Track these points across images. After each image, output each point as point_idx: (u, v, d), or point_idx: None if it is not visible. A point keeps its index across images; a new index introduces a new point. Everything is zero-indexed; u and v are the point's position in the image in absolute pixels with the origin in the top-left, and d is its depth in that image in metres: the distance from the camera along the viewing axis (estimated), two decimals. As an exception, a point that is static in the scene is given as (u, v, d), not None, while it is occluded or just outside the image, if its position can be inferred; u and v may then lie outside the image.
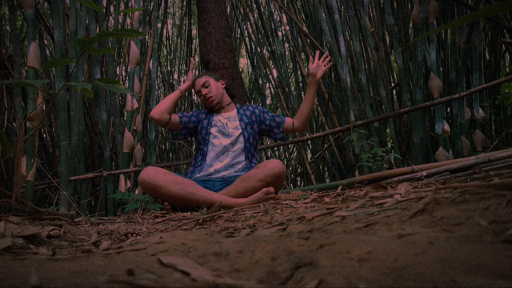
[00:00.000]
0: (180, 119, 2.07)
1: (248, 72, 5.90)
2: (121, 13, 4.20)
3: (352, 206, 0.76)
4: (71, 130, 2.28)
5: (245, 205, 1.62)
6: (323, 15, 3.11)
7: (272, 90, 4.26)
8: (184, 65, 5.16)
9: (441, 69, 2.89)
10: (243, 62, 6.57)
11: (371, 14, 3.24)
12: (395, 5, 3.18)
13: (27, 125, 2.02)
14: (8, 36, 3.24)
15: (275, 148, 4.92)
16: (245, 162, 2.02)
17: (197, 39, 4.56)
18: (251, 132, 2.09)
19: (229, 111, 2.15)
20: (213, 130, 2.06)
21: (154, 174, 1.77)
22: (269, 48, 3.83)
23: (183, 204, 1.76)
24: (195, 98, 5.16)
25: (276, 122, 2.13)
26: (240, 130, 2.06)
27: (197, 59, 5.09)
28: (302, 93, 4.04)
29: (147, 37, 3.42)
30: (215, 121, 2.09)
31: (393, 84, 3.51)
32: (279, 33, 4.45)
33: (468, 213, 0.51)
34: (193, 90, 2.15)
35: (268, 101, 5.51)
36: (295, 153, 5.14)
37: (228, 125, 2.08)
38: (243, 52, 5.53)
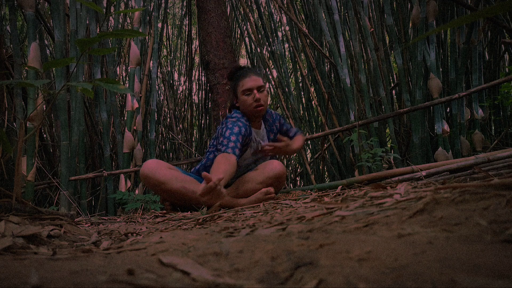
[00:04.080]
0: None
1: (248, 72, 5.88)
2: (121, 13, 4.20)
3: (352, 206, 0.76)
4: (72, 130, 2.28)
5: (245, 205, 1.62)
6: (323, 15, 3.11)
7: (272, 90, 4.26)
8: (184, 65, 5.16)
9: (441, 69, 2.89)
10: (243, 62, 6.57)
11: (371, 15, 3.24)
12: (394, 6, 3.18)
13: (28, 125, 2.02)
14: (8, 36, 3.24)
15: (275, 148, 4.91)
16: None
17: (197, 39, 4.56)
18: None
19: (259, 126, 1.92)
20: (247, 151, 1.87)
21: (155, 168, 1.73)
22: (269, 48, 3.83)
23: (183, 202, 1.76)
24: (195, 99, 5.16)
25: (288, 131, 2.03)
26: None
27: (197, 59, 5.09)
28: (302, 93, 4.04)
29: (147, 37, 3.43)
30: (252, 140, 1.86)
31: (392, 84, 3.51)
32: (279, 34, 4.45)
33: (468, 213, 0.51)
34: (241, 87, 1.81)
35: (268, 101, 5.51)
36: (295, 153, 5.14)
37: (260, 140, 1.91)
38: (243, 52, 5.52)
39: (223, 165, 1.48)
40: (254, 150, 1.87)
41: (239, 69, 1.90)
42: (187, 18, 4.82)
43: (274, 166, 1.75)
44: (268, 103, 1.84)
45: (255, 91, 1.77)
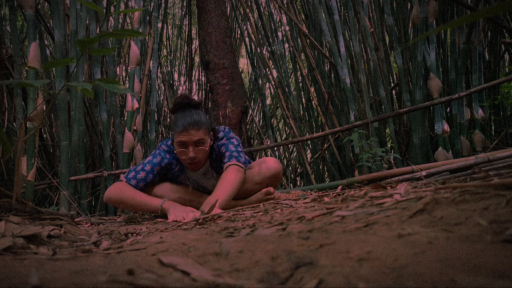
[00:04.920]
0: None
1: (248, 72, 5.90)
2: (121, 13, 4.20)
3: (352, 206, 0.76)
4: (72, 130, 2.28)
5: (245, 206, 1.62)
6: (323, 15, 3.11)
7: (272, 90, 4.26)
8: (184, 65, 5.16)
9: (441, 69, 2.89)
10: (243, 62, 6.57)
11: (371, 15, 3.24)
12: (394, 6, 3.18)
13: (28, 125, 2.02)
14: (8, 36, 3.24)
15: (275, 148, 4.92)
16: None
17: (197, 39, 4.56)
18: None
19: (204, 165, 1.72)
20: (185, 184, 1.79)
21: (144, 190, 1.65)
22: (269, 48, 3.83)
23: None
24: (195, 99, 5.14)
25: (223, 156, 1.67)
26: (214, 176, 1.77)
27: (197, 59, 5.09)
28: (302, 93, 4.05)
29: (147, 37, 3.43)
30: (188, 179, 1.77)
31: (392, 84, 3.51)
32: (279, 34, 4.46)
33: (468, 213, 0.51)
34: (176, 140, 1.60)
35: (268, 101, 5.52)
36: (295, 153, 5.14)
37: (202, 183, 1.78)
38: (243, 52, 5.53)
39: (138, 192, 1.59)
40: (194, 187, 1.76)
41: (183, 104, 1.64)
42: (187, 18, 4.82)
43: (270, 165, 1.73)
44: (208, 150, 1.64)
45: (191, 148, 1.56)
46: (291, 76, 4.66)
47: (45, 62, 2.70)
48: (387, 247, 0.39)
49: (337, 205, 0.82)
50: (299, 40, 3.83)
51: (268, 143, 4.90)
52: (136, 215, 1.80)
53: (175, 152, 1.63)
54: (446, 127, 2.48)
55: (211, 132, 1.68)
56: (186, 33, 4.74)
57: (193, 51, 4.95)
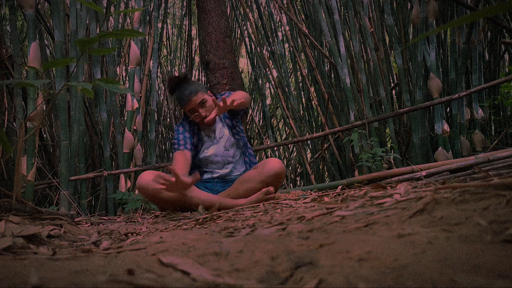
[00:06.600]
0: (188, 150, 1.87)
1: (248, 72, 5.90)
2: (121, 13, 4.20)
3: (352, 206, 0.76)
4: (72, 130, 2.28)
5: (245, 206, 1.62)
6: (323, 15, 3.11)
7: (272, 90, 4.27)
8: (184, 65, 5.16)
9: (441, 69, 2.89)
10: (243, 62, 6.56)
11: (371, 15, 3.24)
12: (394, 6, 3.19)
13: (28, 125, 2.02)
14: (8, 36, 3.24)
15: (275, 148, 4.92)
16: (241, 158, 2.00)
17: (197, 39, 4.56)
18: (235, 131, 1.98)
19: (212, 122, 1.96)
20: (209, 151, 1.94)
21: (150, 179, 1.71)
22: (269, 48, 3.83)
23: (183, 208, 1.76)
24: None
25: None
26: (228, 136, 1.96)
27: (197, 59, 5.09)
28: (302, 93, 4.05)
29: (147, 37, 3.43)
30: (207, 143, 1.95)
31: (392, 84, 3.51)
32: (279, 34, 4.46)
33: (468, 213, 0.51)
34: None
35: (268, 101, 5.52)
36: (295, 153, 5.14)
37: (221, 142, 1.95)
38: (243, 52, 5.52)
39: (180, 160, 1.79)
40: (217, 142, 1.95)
41: (176, 83, 1.89)
42: (187, 18, 4.82)
43: (273, 165, 1.74)
44: (213, 106, 1.87)
45: (200, 110, 1.85)
46: (291, 76, 4.66)
47: (45, 62, 2.70)
48: (387, 247, 0.39)
49: (337, 205, 0.82)
50: (299, 40, 3.83)
51: (268, 143, 4.89)
52: (136, 215, 1.80)
53: (190, 119, 1.92)
54: (446, 127, 2.48)
55: (208, 91, 1.96)
56: (186, 33, 4.74)
57: (193, 51, 4.95)
